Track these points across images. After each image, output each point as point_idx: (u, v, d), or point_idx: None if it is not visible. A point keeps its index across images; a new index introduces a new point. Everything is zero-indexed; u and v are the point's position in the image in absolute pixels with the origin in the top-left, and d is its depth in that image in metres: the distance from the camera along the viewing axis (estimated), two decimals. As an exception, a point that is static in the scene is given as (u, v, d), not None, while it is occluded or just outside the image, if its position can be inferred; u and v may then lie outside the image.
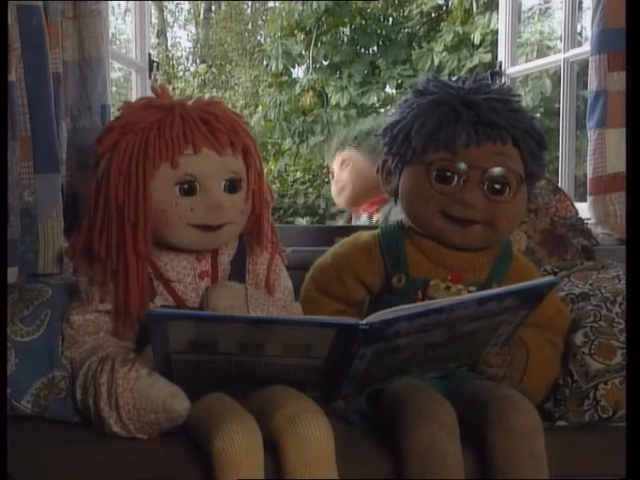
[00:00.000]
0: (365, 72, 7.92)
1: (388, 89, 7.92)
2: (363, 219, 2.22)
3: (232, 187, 1.23)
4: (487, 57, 6.85)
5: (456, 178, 1.23)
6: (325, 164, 2.32)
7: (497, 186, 1.23)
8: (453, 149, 1.22)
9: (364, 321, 1.02)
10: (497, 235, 1.26)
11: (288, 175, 8.42)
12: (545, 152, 1.28)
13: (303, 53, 8.11)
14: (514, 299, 1.11)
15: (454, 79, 1.31)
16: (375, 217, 2.14)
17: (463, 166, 1.22)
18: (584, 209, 1.77)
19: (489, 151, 1.23)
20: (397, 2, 8.40)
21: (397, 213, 2.04)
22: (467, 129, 1.22)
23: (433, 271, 1.27)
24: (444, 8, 8.06)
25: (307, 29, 7.91)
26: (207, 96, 1.29)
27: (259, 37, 10.85)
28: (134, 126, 1.18)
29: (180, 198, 1.19)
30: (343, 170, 2.21)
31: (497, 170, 1.23)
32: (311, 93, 7.86)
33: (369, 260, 1.30)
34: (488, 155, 1.23)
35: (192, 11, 11.53)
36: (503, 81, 2.29)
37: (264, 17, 10.73)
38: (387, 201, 2.03)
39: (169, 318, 1.03)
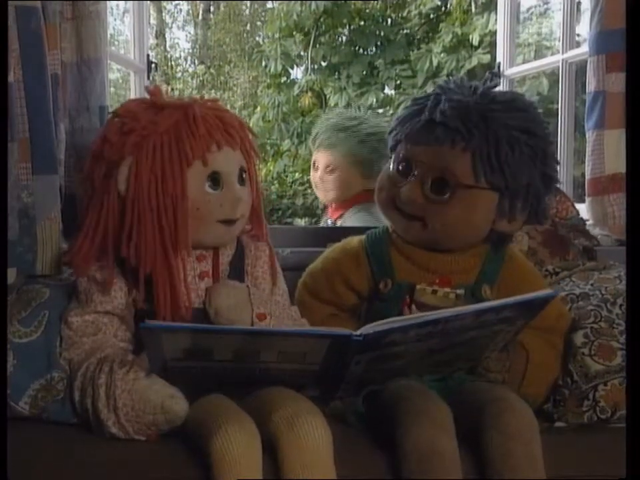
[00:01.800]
0: (364, 73, 7.92)
1: (387, 90, 7.92)
2: (330, 223, 2.27)
3: (242, 181, 1.26)
4: (486, 58, 6.85)
5: (411, 173, 1.26)
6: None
7: (436, 186, 1.23)
8: (408, 144, 1.26)
9: (357, 332, 1.02)
10: (431, 235, 1.26)
11: (287, 176, 8.42)
12: (510, 161, 1.20)
13: (302, 53, 8.11)
14: (511, 311, 1.10)
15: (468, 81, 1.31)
16: (338, 223, 2.19)
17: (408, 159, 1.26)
18: (582, 210, 1.77)
19: (436, 151, 1.23)
20: (395, 3, 8.40)
21: (350, 219, 2.09)
22: (425, 128, 1.24)
23: (419, 275, 1.28)
24: (442, 9, 8.05)
25: (306, 29, 7.90)
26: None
27: (257, 38, 10.85)
28: (156, 127, 1.18)
29: (210, 194, 1.21)
30: (329, 174, 2.20)
31: (434, 170, 1.23)
32: (309, 93, 7.85)
33: (357, 266, 1.32)
34: (434, 155, 1.23)
35: (190, 11, 11.53)
36: (501, 82, 2.29)
37: (262, 18, 10.72)
38: (347, 207, 2.11)
39: (162, 331, 1.04)
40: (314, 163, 2.24)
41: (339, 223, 2.18)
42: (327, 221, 2.29)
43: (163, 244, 1.17)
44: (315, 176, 2.24)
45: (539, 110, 1.31)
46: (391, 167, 1.31)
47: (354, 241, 1.36)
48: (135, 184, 1.17)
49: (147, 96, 1.27)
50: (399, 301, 1.26)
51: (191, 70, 11.14)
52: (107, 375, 1.10)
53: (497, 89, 2.25)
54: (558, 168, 1.29)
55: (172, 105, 1.22)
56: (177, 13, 11.59)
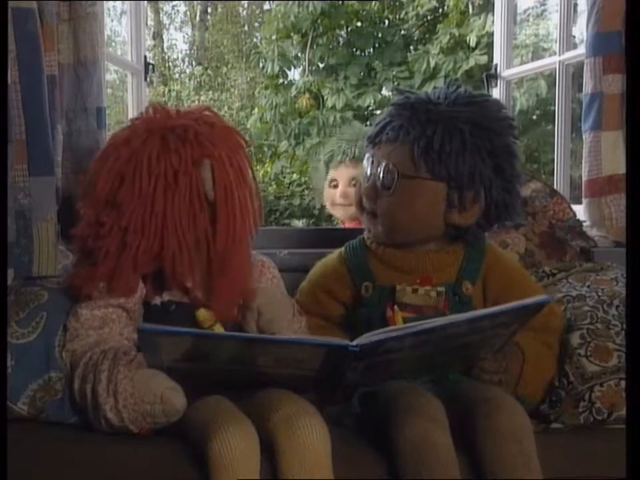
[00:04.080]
0: (361, 74, 7.94)
1: (384, 91, 7.94)
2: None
3: None
4: (483, 59, 6.86)
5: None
6: (325, 170, 2.34)
7: (386, 181, 1.28)
8: (368, 147, 1.35)
9: (354, 343, 1.03)
10: (381, 227, 1.31)
11: (284, 177, 8.43)
12: (449, 150, 1.23)
13: (299, 55, 8.13)
14: (506, 316, 1.11)
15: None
16: None
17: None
18: (579, 212, 1.77)
19: (385, 148, 1.30)
20: (393, 4, 8.41)
21: None
22: (381, 130, 1.32)
23: (398, 277, 1.30)
24: (440, 10, 8.07)
25: (303, 31, 7.92)
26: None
27: (254, 39, 10.86)
28: (212, 126, 1.24)
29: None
30: (352, 187, 2.18)
31: (383, 166, 1.28)
32: (307, 95, 7.86)
33: (338, 276, 1.36)
34: (384, 152, 1.30)
35: (188, 13, 11.53)
36: (497, 83, 2.30)
37: (260, 19, 10.73)
38: None
39: (161, 335, 1.04)
40: (331, 181, 2.25)
41: None
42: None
43: (244, 234, 1.22)
44: (333, 194, 2.23)
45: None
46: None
47: (334, 253, 1.41)
48: (223, 183, 1.20)
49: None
50: (381, 304, 1.28)
51: (188, 71, 11.14)
52: (110, 362, 1.11)
53: (494, 90, 2.27)
54: (516, 162, 1.30)
55: (194, 109, 1.28)
56: (175, 14, 11.60)
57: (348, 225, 2.23)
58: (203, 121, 1.23)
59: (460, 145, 1.23)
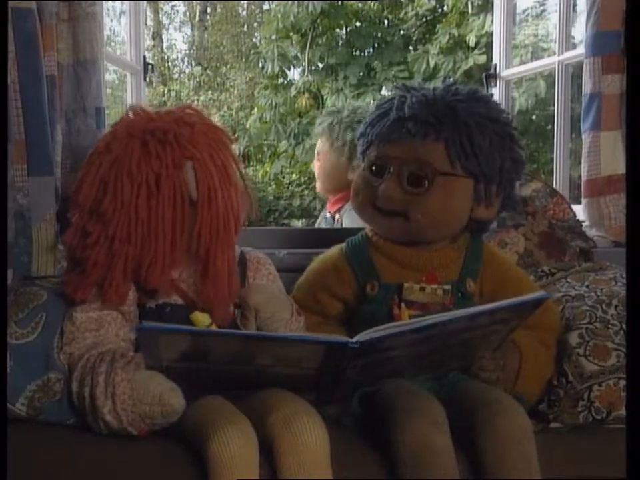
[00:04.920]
0: (361, 74, 7.92)
1: (384, 91, 7.93)
2: (328, 217, 2.20)
3: None
4: (482, 59, 6.86)
5: (386, 171, 1.28)
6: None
7: (413, 178, 1.26)
8: (380, 143, 1.30)
9: (354, 339, 1.03)
10: (414, 227, 1.28)
11: (284, 177, 8.43)
12: (482, 147, 1.24)
13: (299, 55, 8.12)
14: (505, 313, 1.11)
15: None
16: (337, 217, 2.13)
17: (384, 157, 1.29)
18: (578, 212, 1.77)
19: (408, 145, 1.27)
20: (392, 4, 8.41)
21: (349, 214, 1.98)
22: (395, 125, 1.28)
23: (404, 274, 1.29)
24: (439, 10, 8.07)
25: (303, 31, 7.91)
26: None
27: (254, 39, 10.86)
28: (192, 127, 1.23)
29: None
30: (317, 161, 2.19)
31: (409, 163, 1.26)
32: (306, 95, 7.86)
33: (337, 274, 1.34)
34: (407, 148, 1.27)
35: (187, 13, 11.53)
36: (497, 83, 2.31)
37: (259, 19, 10.73)
38: (347, 199, 1.99)
39: (160, 333, 1.04)
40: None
41: (337, 217, 2.11)
42: (326, 214, 2.22)
43: (228, 235, 1.21)
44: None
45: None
46: (365, 169, 1.33)
47: (334, 250, 1.39)
48: (206, 184, 1.19)
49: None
50: (388, 302, 1.27)
51: (187, 71, 11.14)
52: (107, 364, 1.11)
53: (493, 90, 2.27)
54: (523, 153, 1.32)
55: (175, 109, 1.26)
56: (174, 14, 11.60)
57: (330, 203, 2.17)
58: (184, 122, 1.21)
59: (488, 140, 1.25)
